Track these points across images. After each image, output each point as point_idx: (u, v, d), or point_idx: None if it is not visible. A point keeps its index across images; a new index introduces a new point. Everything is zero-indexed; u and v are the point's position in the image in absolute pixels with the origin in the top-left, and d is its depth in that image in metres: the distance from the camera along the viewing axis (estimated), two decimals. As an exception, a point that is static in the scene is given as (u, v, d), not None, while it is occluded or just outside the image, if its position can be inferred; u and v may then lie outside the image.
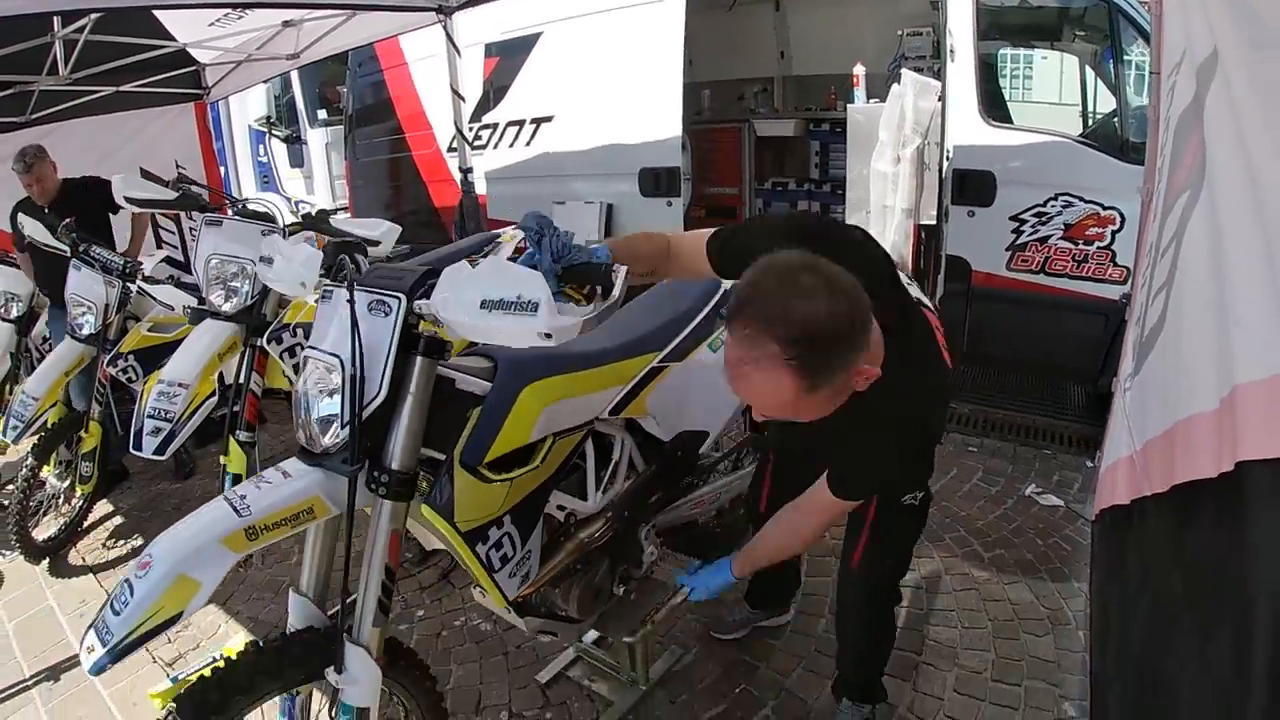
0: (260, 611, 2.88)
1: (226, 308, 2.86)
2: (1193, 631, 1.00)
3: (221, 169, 9.69)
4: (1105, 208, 3.46)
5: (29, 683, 2.60)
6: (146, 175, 3.24)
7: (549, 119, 5.04)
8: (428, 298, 1.46)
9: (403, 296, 1.47)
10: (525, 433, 1.69)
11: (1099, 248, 3.50)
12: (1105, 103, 3.87)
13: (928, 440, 1.66)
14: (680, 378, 2.15)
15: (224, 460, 2.83)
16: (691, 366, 2.18)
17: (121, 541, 3.49)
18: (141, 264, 3.37)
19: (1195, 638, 0.99)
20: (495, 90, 5.42)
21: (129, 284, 3.32)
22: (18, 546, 3.20)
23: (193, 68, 6.00)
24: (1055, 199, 3.53)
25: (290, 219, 3.16)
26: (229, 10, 4.64)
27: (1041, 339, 3.74)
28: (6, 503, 3.28)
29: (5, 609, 3.06)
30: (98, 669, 1.33)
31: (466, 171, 4.91)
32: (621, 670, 2.40)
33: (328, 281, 1.60)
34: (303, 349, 2.77)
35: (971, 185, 3.64)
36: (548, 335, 1.32)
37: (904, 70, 4.12)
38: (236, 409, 2.80)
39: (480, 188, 5.46)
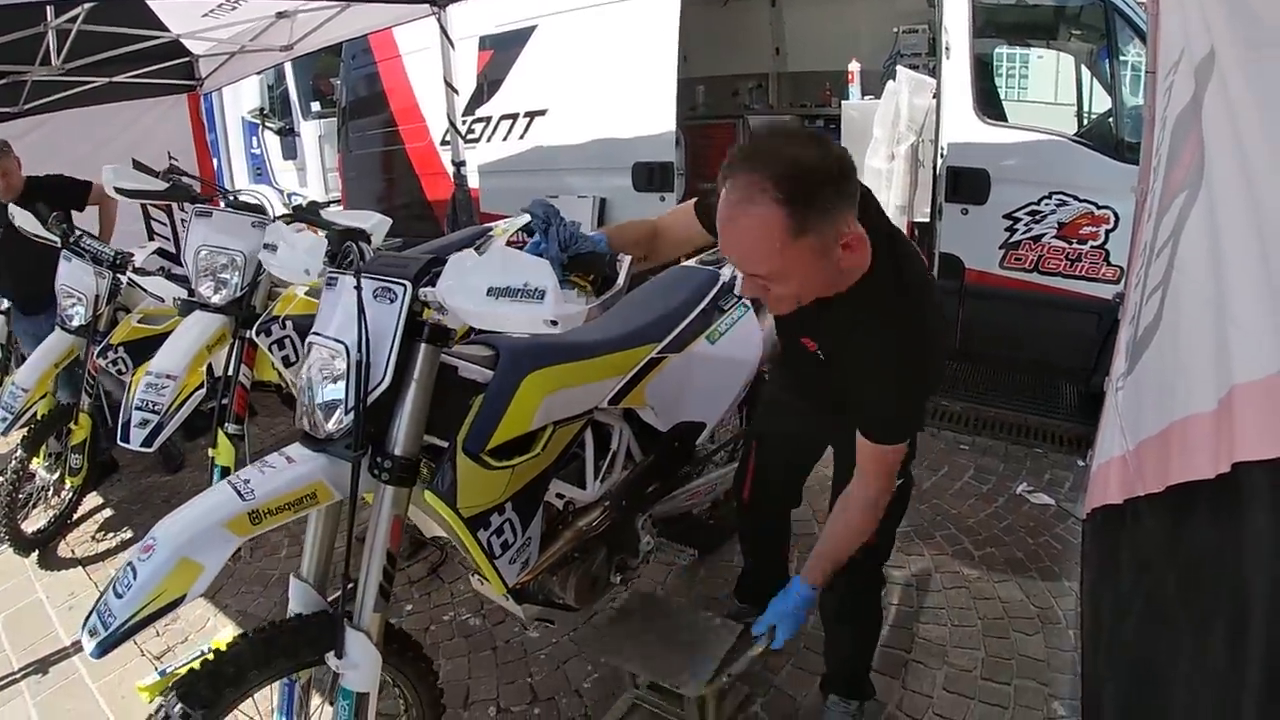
0: (249, 605, 2.87)
1: (216, 299, 2.83)
2: (1187, 631, 1.00)
3: (214, 161, 9.64)
4: (1099, 207, 3.46)
5: (17, 676, 2.59)
6: (139, 166, 3.22)
7: (542, 112, 5.01)
8: (433, 285, 1.47)
9: (408, 284, 1.49)
10: (526, 421, 1.71)
11: (1093, 247, 3.50)
12: (1101, 102, 3.87)
13: (938, 358, 1.72)
14: (679, 369, 2.16)
15: (212, 453, 2.81)
16: (690, 358, 2.19)
17: (111, 534, 3.47)
18: (132, 255, 3.34)
19: (1190, 638, 0.98)
20: (489, 83, 5.38)
21: (119, 275, 3.29)
22: (6, 539, 3.18)
23: (186, 59, 5.98)
24: (1049, 198, 3.52)
25: (281, 211, 3.13)
26: (223, 1, 4.65)
27: (1034, 338, 3.74)
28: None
29: (-8, 602, 3.04)
30: (101, 651, 1.34)
31: (459, 165, 4.88)
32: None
33: (332, 269, 1.62)
34: (293, 341, 2.80)
35: (965, 183, 3.63)
36: (554, 323, 1.33)
37: (899, 67, 4.13)
38: (225, 401, 2.79)
39: (473, 181, 5.47)
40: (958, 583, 2.70)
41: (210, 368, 2.86)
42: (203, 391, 2.77)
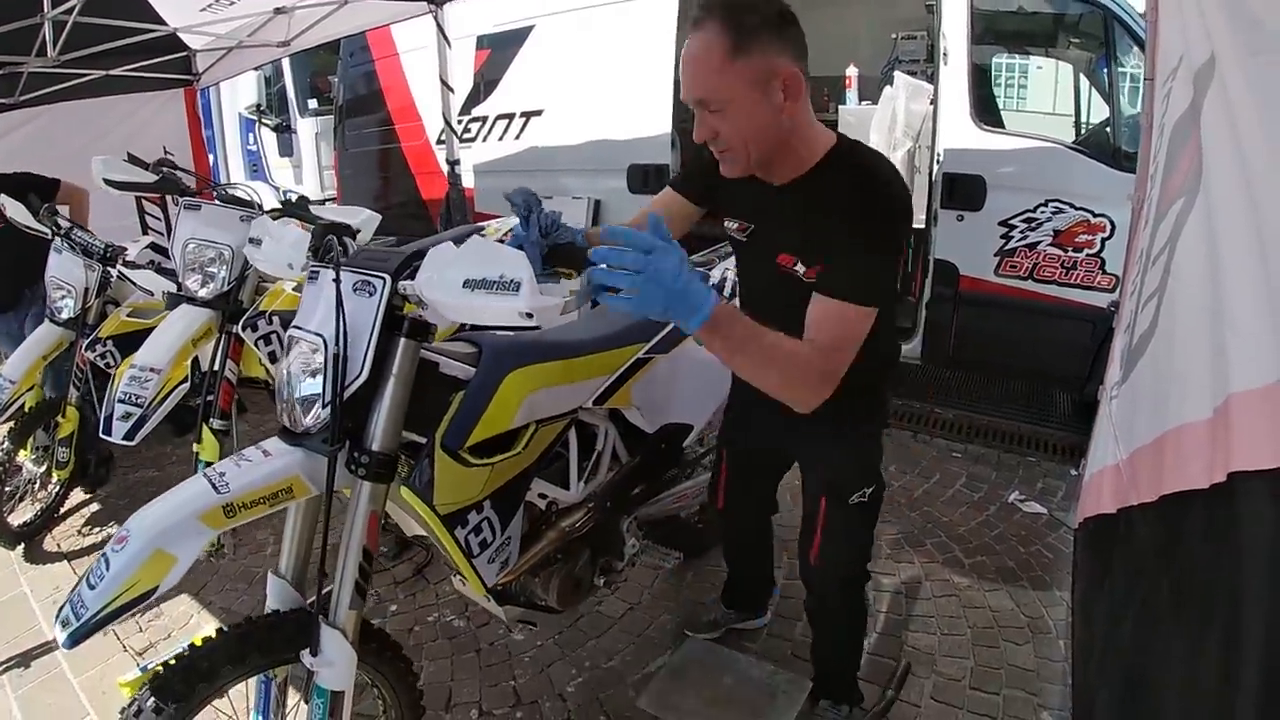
0: (233, 602, 2.84)
1: (203, 293, 2.81)
2: (1181, 638, 0.98)
3: (211, 157, 9.60)
4: (1095, 215, 3.45)
5: (-1, 670, 2.55)
6: (132, 159, 3.19)
7: (538, 113, 5.00)
8: (413, 279, 1.46)
9: (387, 277, 1.47)
10: (507, 418, 1.69)
11: (1088, 255, 3.48)
12: (1098, 110, 3.87)
13: (905, 225, 1.63)
14: (666, 370, 2.14)
15: (197, 448, 2.78)
16: (678, 359, 2.18)
17: (98, 528, 3.43)
18: (124, 249, 3.31)
19: (1184, 644, 0.97)
20: (486, 83, 5.37)
21: (109, 269, 3.26)
22: (-8, 531, 3.14)
23: (183, 53, 5.93)
24: (1045, 205, 3.50)
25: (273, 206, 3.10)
26: None
27: (1028, 345, 3.72)
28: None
29: (-25, 595, 3.00)
30: (73, 642, 1.33)
31: (454, 164, 4.86)
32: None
33: (315, 262, 1.60)
34: (279, 337, 2.77)
35: (961, 189, 3.62)
36: (529, 315, 1.31)
37: (896, 73, 4.12)
38: (211, 397, 2.75)
39: (468, 180, 5.45)
40: (948, 591, 2.68)
41: (196, 362, 2.83)
42: (186, 386, 2.73)
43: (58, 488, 3.40)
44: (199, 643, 1.45)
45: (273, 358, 2.70)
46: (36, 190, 3.55)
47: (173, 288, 2.93)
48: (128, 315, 3.23)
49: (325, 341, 1.48)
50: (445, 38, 4.75)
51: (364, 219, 2.78)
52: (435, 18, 4.73)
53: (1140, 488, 1.23)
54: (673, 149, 4.40)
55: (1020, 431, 3.86)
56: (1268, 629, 0.76)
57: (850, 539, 1.89)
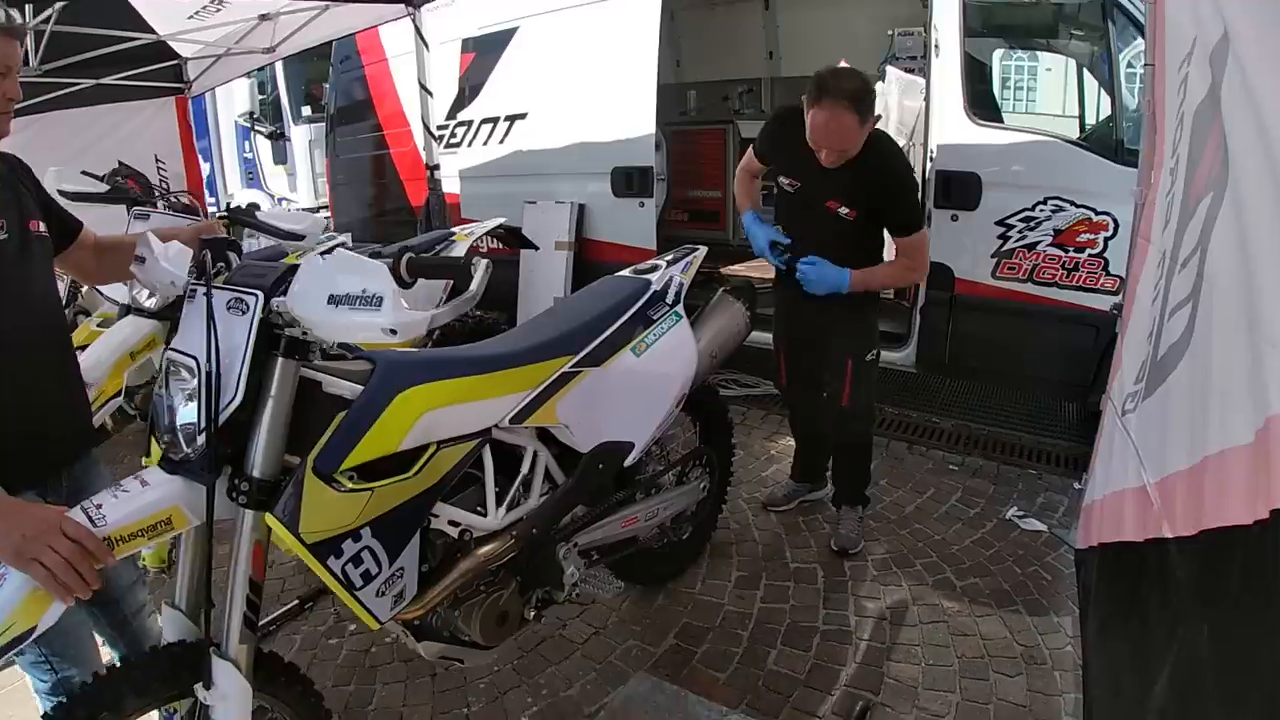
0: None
1: (149, 304, 2.69)
2: (1220, 710, 0.90)
3: (207, 165, 9.65)
4: (1098, 213, 3.25)
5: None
6: (122, 167, 3.31)
7: (522, 116, 4.85)
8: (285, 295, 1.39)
9: (260, 294, 1.40)
10: (394, 439, 1.56)
11: (1090, 255, 3.29)
12: (1099, 102, 3.67)
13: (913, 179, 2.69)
14: (598, 384, 1.99)
15: (145, 461, 2.63)
16: (612, 372, 2.02)
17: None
18: None
19: (1223, 711, 0.89)
20: (471, 87, 5.25)
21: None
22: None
23: (174, 61, 5.93)
24: (1045, 203, 3.31)
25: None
26: (207, 2, 4.59)
27: (1028, 352, 3.51)
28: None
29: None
30: None
31: (433, 169, 4.73)
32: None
33: (193, 280, 1.50)
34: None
35: (956, 187, 3.43)
36: (393, 331, 1.30)
37: (888, 67, 3.94)
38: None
39: (454, 187, 5.32)
40: (936, 616, 2.48)
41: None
42: (119, 399, 2.60)
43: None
44: (90, 680, 1.40)
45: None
46: None
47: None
48: (97, 325, 3.17)
49: (198, 363, 1.39)
50: (423, 40, 4.62)
51: (309, 224, 2.74)
52: (413, 20, 4.60)
53: (1175, 519, 1.14)
54: (657, 151, 4.24)
55: (1021, 442, 3.67)
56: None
57: (867, 384, 2.78)
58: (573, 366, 1.94)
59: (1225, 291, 1.08)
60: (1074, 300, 3.35)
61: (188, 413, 1.41)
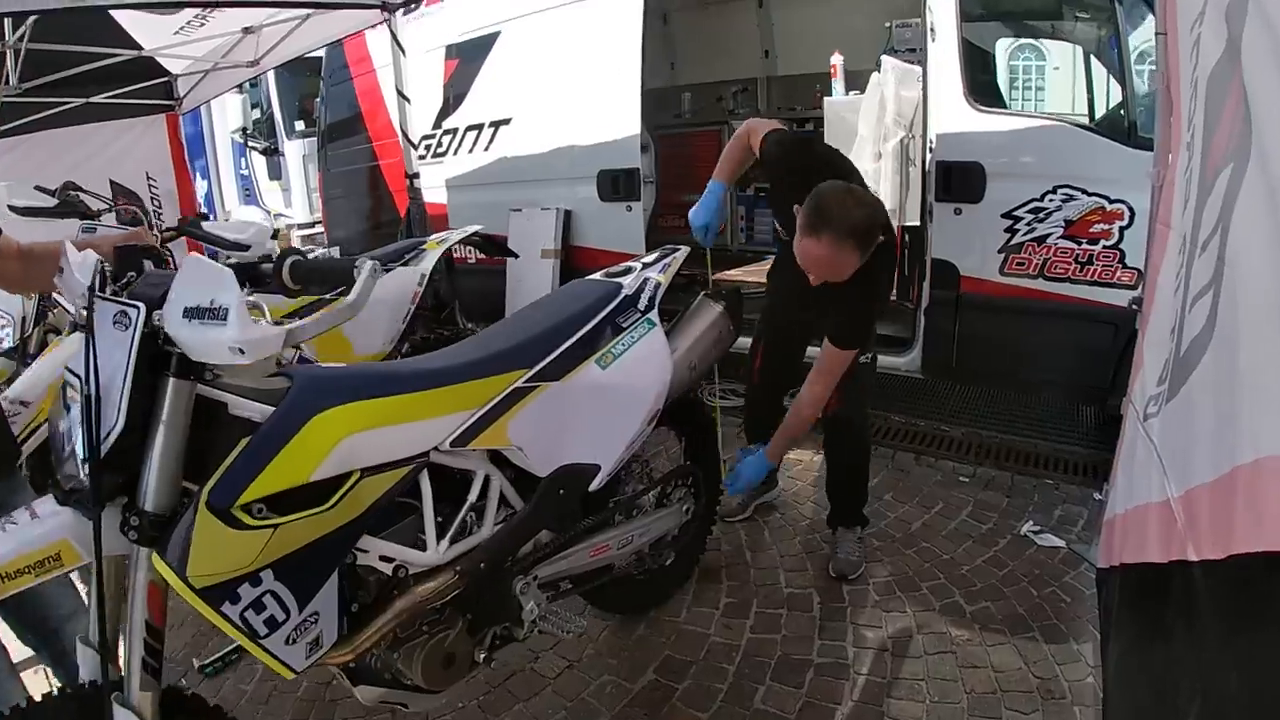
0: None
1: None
2: None
3: (205, 183, 9.61)
4: (1112, 201, 3.02)
5: None
6: (38, 188, 3.18)
7: (506, 121, 4.69)
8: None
9: (141, 307, 1.26)
10: (306, 468, 1.36)
11: (1105, 247, 3.05)
12: (1109, 82, 3.43)
13: (890, 288, 2.47)
14: (556, 401, 1.78)
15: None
16: (573, 387, 1.82)
17: None
18: None
19: None
20: (455, 94, 5.11)
21: (46, 297, 3.05)
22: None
23: (164, 79, 5.94)
24: (1054, 192, 3.09)
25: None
26: (191, 17, 4.56)
27: (1041, 353, 3.27)
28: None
29: None
30: None
31: (413, 177, 4.57)
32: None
33: (97, 294, 1.35)
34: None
35: (957, 179, 3.21)
36: (240, 350, 1.19)
37: (884, 56, 3.72)
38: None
39: (440, 197, 5.18)
40: (943, 646, 2.25)
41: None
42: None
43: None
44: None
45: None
46: None
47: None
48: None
49: (82, 382, 1.25)
50: (400, 46, 4.49)
51: (252, 232, 2.74)
52: (389, 25, 4.47)
53: (1201, 539, 1.03)
54: (644, 152, 4.05)
55: (1036, 450, 3.42)
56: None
57: (859, 389, 2.52)
58: (527, 382, 1.74)
59: (1251, 275, 0.98)
60: (1089, 296, 3.12)
61: (77, 437, 1.28)
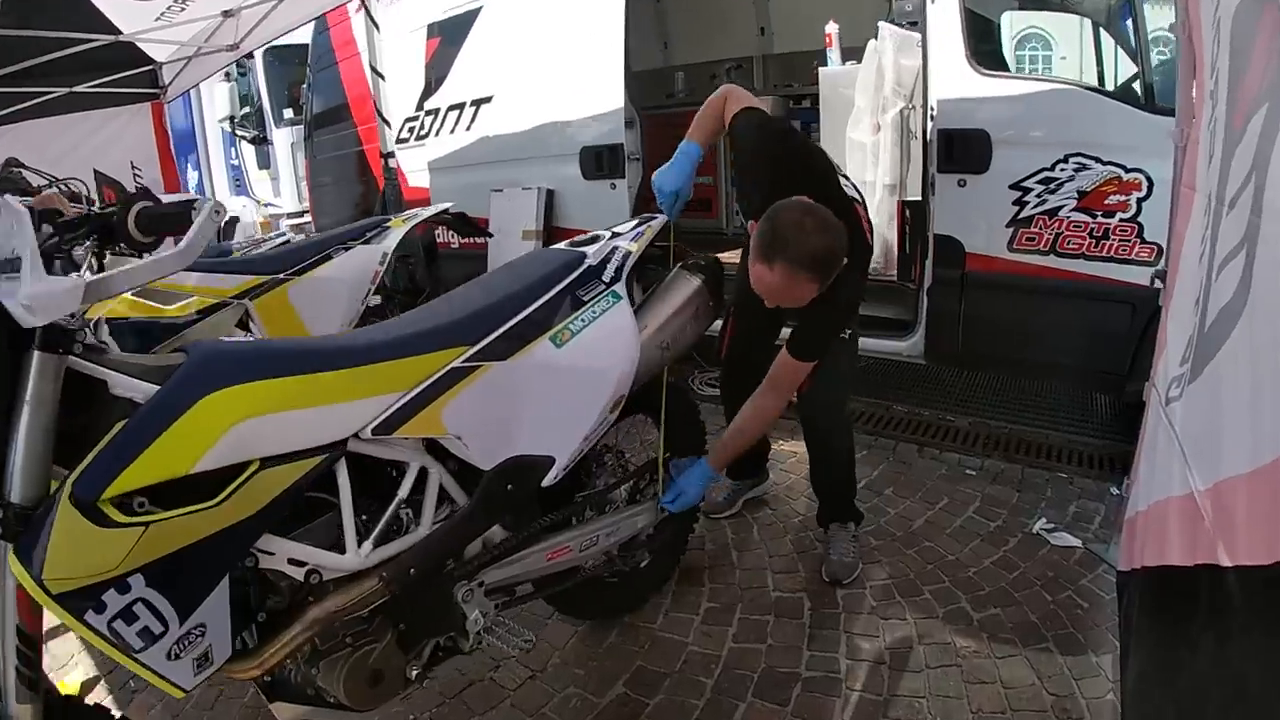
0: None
1: None
2: None
3: (195, 174, 9.44)
4: (1128, 170, 2.78)
5: None
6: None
7: (488, 100, 4.47)
8: None
9: None
10: (189, 457, 1.17)
11: (1122, 220, 2.81)
12: (1122, 43, 3.18)
13: (857, 301, 2.21)
14: (502, 383, 1.56)
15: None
16: (523, 367, 1.60)
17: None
18: None
19: None
20: (437, 74, 4.90)
21: None
22: None
23: (149, 67, 5.82)
24: (1065, 161, 2.84)
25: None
26: (172, 2, 4.48)
27: (1053, 336, 3.03)
28: None
29: None
30: None
31: (387, 156, 4.36)
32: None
33: None
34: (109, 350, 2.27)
35: (961, 148, 2.97)
36: (28, 307, 1.05)
37: (881, 23, 3.48)
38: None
39: (424, 180, 4.99)
40: (947, 659, 2.02)
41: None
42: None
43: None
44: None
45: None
46: None
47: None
48: None
49: None
50: (374, 22, 4.30)
51: (202, 203, 2.41)
52: (363, 2, 4.27)
53: (1237, 540, 0.90)
54: (628, 129, 3.82)
55: (1048, 441, 3.19)
56: None
57: (839, 368, 2.28)
58: (467, 360, 1.52)
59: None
60: (1104, 274, 2.87)
61: None
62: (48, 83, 5.04)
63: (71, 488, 1.08)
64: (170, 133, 6.64)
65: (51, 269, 1.18)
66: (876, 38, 3.56)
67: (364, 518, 1.44)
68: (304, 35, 6.95)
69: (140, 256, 3.02)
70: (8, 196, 1.17)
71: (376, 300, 3.40)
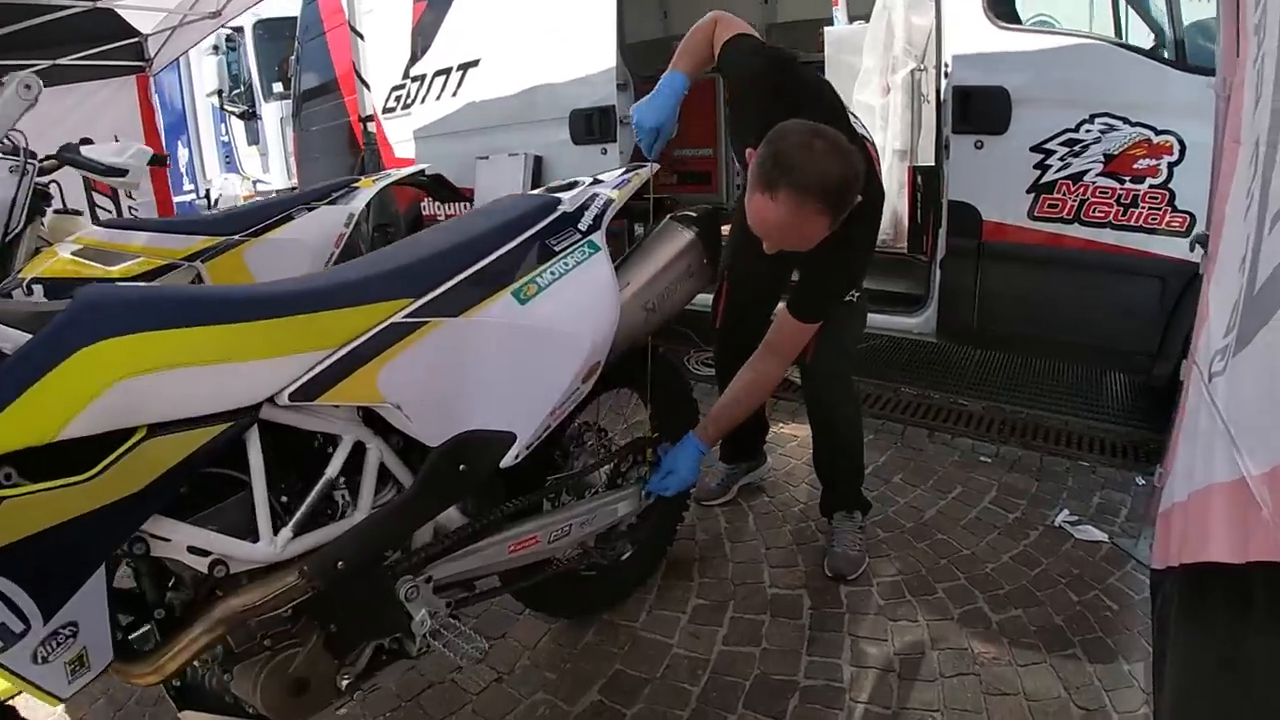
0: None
1: None
2: None
3: (186, 151, 9.25)
4: (1158, 132, 2.54)
5: None
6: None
7: (475, 63, 4.22)
8: None
9: None
10: (55, 419, 0.98)
11: (1152, 186, 2.57)
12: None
13: (870, 250, 1.92)
14: (452, 344, 1.34)
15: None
16: (478, 326, 1.37)
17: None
18: None
19: None
20: (424, 39, 4.65)
21: None
22: None
23: (135, 39, 5.74)
24: (1091, 121, 2.60)
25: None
26: None
27: (1076, 312, 2.79)
28: None
29: None
30: None
31: (366, 120, 4.13)
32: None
33: None
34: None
35: (978, 107, 2.73)
36: None
37: (892, -24, 3.24)
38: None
39: (409, 151, 4.76)
40: (963, 666, 1.80)
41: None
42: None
43: None
44: None
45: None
46: None
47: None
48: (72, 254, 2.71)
49: None
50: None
51: (132, 153, 2.49)
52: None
53: None
54: (621, 90, 3.58)
55: (1067, 428, 2.96)
56: None
57: (840, 335, 2.03)
58: (410, 315, 1.29)
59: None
60: (1132, 244, 2.64)
61: None
62: (31, 55, 4.84)
63: None
64: (159, 107, 6.51)
65: None
66: (887, -7, 3.32)
67: (284, 500, 1.23)
68: (294, 8, 6.78)
69: (80, 214, 2.82)
70: None
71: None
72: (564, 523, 1.66)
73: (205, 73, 8.22)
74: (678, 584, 2.17)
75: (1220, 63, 2.02)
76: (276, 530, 1.19)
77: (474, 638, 1.43)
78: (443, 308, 1.31)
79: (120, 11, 5.24)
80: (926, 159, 3.09)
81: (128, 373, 1.00)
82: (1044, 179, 2.71)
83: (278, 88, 8.09)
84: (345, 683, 1.32)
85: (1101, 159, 2.63)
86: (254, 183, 8.24)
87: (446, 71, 4.44)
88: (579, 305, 1.50)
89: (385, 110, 5.04)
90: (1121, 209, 2.64)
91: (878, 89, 3.28)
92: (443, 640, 1.41)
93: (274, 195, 8.01)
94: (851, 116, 1.97)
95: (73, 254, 2.42)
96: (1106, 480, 2.60)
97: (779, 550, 2.31)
